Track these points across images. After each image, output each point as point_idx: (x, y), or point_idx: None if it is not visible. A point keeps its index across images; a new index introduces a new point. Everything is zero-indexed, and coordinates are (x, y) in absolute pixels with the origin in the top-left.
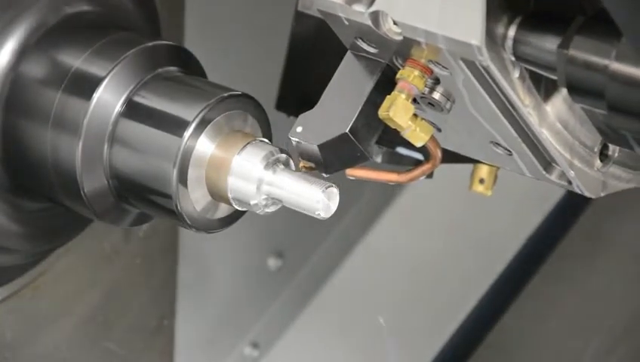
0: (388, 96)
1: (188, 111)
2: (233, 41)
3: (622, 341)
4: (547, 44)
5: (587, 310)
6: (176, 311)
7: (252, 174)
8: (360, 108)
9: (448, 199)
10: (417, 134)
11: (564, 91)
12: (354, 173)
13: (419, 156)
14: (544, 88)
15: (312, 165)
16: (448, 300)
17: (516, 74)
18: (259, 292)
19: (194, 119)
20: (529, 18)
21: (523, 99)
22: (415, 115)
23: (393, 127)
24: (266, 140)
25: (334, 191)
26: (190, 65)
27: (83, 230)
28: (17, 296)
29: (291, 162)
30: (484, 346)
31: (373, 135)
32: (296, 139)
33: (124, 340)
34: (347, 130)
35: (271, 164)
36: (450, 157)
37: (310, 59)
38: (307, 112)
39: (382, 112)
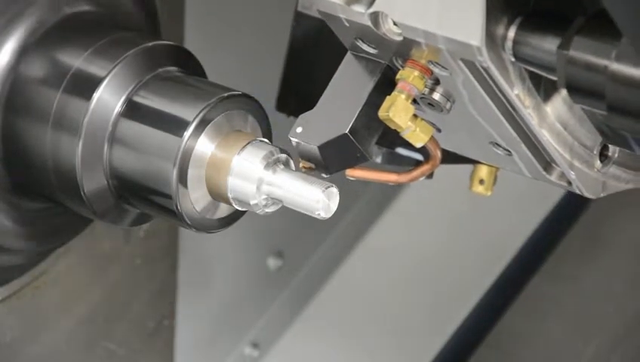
0: (388, 97)
1: (188, 111)
2: (233, 41)
3: (622, 341)
4: (547, 44)
5: (587, 310)
6: (176, 311)
7: (252, 174)
8: (360, 108)
9: (448, 199)
10: (417, 135)
11: (563, 92)
12: (354, 173)
13: (418, 156)
14: (544, 89)
15: (312, 166)
16: (448, 300)
17: (516, 75)
18: (259, 292)
19: (194, 119)
20: (529, 19)
21: (523, 99)
22: (415, 116)
23: (393, 128)
24: (266, 140)
25: (334, 191)
26: (190, 66)
27: (83, 230)
28: (17, 296)
29: (291, 162)
30: (484, 346)
31: (373, 135)
32: (296, 140)
33: (124, 340)
34: (347, 131)
35: (271, 163)
36: (450, 157)
37: (310, 60)
38: (307, 113)
39: (382, 113)
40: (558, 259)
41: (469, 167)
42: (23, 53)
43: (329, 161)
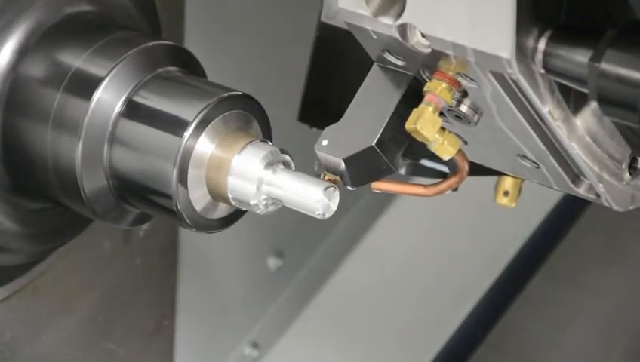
0: (415, 109)
1: (188, 111)
2: (234, 41)
3: (622, 340)
4: (578, 57)
5: (587, 310)
6: (176, 311)
7: (252, 174)
8: (387, 121)
9: (448, 199)
10: (445, 147)
11: (593, 104)
12: (379, 186)
13: (443, 168)
14: (573, 101)
15: (338, 178)
16: (448, 300)
17: (546, 87)
18: (259, 292)
19: (194, 119)
20: (559, 31)
21: (552, 112)
22: (442, 128)
23: (420, 140)
24: (266, 140)
25: (334, 191)
26: (190, 65)
27: (83, 230)
28: (17, 296)
29: (291, 162)
30: (485, 346)
31: (400, 148)
32: (323, 153)
33: (124, 340)
34: (374, 144)
35: (271, 163)
36: (475, 169)
37: (334, 71)
38: (332, 126)
39: (409, 125)
40: (559, 259)
41: None
42: (23, 53)
43: (354, 174)
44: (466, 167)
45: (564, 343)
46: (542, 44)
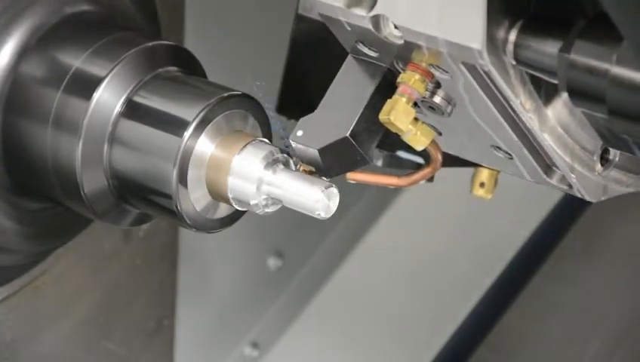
0: (389, 100)
1: (188, 111)
2: (233, 41)
3: (622, 341)
4: (548, 48)
5: (587, 310)
6: (176, 311)
7: (252, 174)
8: (361, 112)
9: (448, 199)
10: (418, 138)
11: (564, 95)
12: (354, 176)
13: (419, 160)
14: (545, 92)
15: (313, 169)
16: (448, 300)
17: (517, 78)
18: (259, 292)
19: (194, 119)
20: (530, 22)
21: (524, 103)
22: (416, 119)
23: (394, 131)
24: (266, 140)
25: (334, 191)
26: (190, 66)
27: (83, 230)
28: (17, 296)
29: (291, 162)
30: (484, 346)
31: (374, 139)
32: (297, 143)
33: (124, 340)
34: (348, 135)
35: (271, 163)
36: (450, 160)
37: (311, 63)
38: (307, 116)
39: (382, 116)
40: (558, 260)
41: (469, 168)
42: (23, 54)
43: (329, 165)
44: (440, 157)
45: (564, 344)
46: (513, 36)
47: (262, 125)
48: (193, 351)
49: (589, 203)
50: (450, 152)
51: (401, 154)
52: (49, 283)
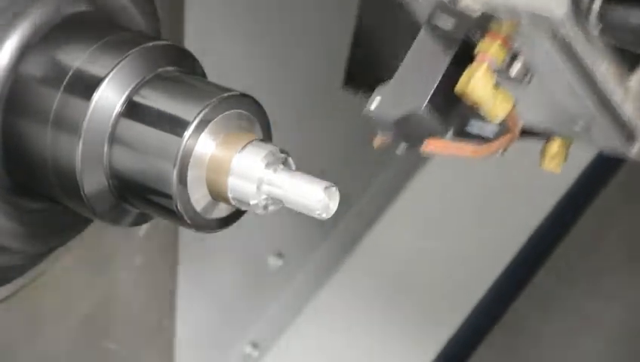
0: (466, 70)
1: (188, 111)
2: (234, 41)
3: (623, 341)
4: (633, 18)
5: (588, 310)
6: (176, 311)
7: (252, 174)
8: (437, 83)
9: (448, 199)
10: (498, 106)
11: None
12: (430, 146)
13: (489, 135)
14: (628, 62)
15: (389, 139)
16: (449, 300)
17: (599, 48)
18: (259, 292)
19: (194, 119)
20: None
21: (606, 73)
22: (494, 87)
23: (472, 101)
24: (266, 140)
25: (334, 191)
26: (190, 66)
27: (83, 230)
28: (17, 296)
29: (291, 162)
30: (484, 346)
31: (450, 111)
32: (375, 113)
33: (124, 340)
34: (424, 106)
35: (271, 163)
36: (524, 132)
37: (379, 36)
38: (383, 86)
39: (461, 86)
40: (561, 258)
41: (469, 166)
42: (23, 54)
43: (405, 135)
44: (519, 124)
45: (565, 344)
46: (597, 4)
47: (262, 125)
48: (193, 351)
49: (589, 203)
50: (525, 124)
51: (471, 128)
52: (49, 283)
